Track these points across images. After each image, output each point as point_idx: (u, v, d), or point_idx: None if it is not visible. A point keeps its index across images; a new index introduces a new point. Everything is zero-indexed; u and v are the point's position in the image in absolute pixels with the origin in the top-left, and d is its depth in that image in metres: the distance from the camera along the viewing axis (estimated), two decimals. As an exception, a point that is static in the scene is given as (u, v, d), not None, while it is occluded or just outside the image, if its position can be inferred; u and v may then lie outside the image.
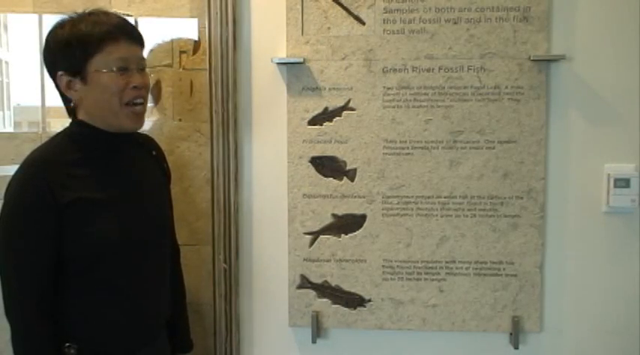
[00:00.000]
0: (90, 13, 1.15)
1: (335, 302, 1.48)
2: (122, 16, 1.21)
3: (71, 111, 1.19)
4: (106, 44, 1.12)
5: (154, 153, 1.32)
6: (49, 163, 1.11)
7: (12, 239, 1.10)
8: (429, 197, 1.45)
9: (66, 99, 1.18)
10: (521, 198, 1.43)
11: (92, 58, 1.12)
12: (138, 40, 1.18)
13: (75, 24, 1.13)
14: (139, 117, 1.19)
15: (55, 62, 1.15)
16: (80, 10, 1.16)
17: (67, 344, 1.12)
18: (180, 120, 1.51)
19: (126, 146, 1.22)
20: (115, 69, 1.13)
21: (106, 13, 1.17)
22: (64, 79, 1.14)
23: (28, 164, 1.13)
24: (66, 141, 1.17)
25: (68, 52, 1.12)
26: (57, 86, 1.17)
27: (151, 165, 1.29)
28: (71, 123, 1.20)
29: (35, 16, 1.51)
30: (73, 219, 1.10)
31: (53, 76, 1.16)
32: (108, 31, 1.13)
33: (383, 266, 1.46)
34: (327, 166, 1.46)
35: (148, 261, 1.22)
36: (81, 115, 1.17)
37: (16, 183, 1.11)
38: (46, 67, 1.18)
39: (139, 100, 1.16)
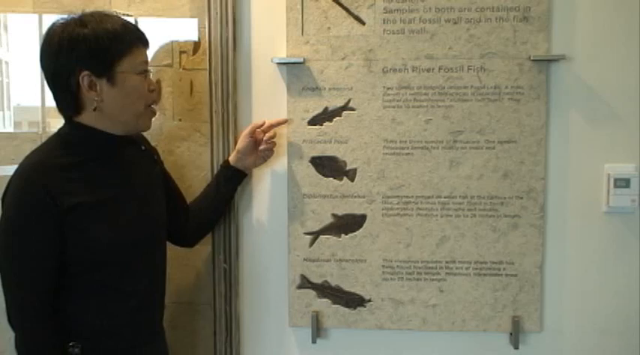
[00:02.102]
0: (98, 14, 1.13)
1: (335, 302, 1.48)
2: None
3: (66, 113, 1.16)
4: (134, 46, 1.14)
5: (143, 148, 1.30)
6: (48, 168, 1.10)
7: (13, 245, 1.09)
8: (429, 197, 1.45)
9: (66, 100, 1.13)
10: (521, 198, 1.43)
11: (122, 59, 1.12)
12: (148, 44, 1.21)
13: (99, 23, 1.11)
14: (152, 119, 1.24)
15: (77, 61, 1.10)
16: (80, 11, 1.15)
17: (71, 344, 1.13)
18: (180, 120, 1.51)
19: (121, 147, 1.21)
20: (139, 72, 1.15)
21: (111, 15, 1.16)
22: (87, 79, 1.10)
23: (27, 169, 1.11)
24: (62, 144, 1.15)
25: (97, 50, 1.10)
26: (69, 86, 1.11)
27: (144, 162, 1.29)
28: (65, 125, 1.17)
29: (35, 16, 1.50)
30: (73, 223, 1.10)
31: (68, 75, 1.10)
32: (135, 34, 1.15)
33: (383, 266, 1.46)
34: (327, 166, 1.46)
35: (148, 261, 1.23)
36: (87, 117, 1.14)
37: (16, 188, 1.10)
38: (56, 66, 1.11)
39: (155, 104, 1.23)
